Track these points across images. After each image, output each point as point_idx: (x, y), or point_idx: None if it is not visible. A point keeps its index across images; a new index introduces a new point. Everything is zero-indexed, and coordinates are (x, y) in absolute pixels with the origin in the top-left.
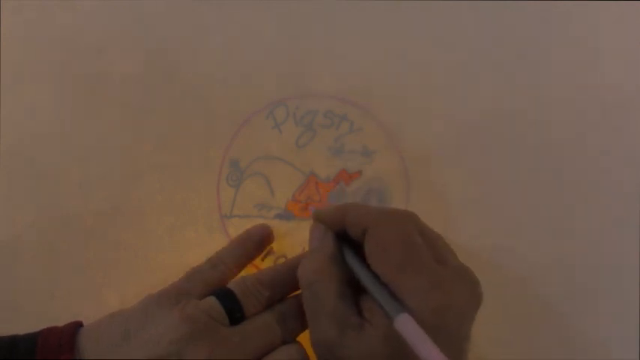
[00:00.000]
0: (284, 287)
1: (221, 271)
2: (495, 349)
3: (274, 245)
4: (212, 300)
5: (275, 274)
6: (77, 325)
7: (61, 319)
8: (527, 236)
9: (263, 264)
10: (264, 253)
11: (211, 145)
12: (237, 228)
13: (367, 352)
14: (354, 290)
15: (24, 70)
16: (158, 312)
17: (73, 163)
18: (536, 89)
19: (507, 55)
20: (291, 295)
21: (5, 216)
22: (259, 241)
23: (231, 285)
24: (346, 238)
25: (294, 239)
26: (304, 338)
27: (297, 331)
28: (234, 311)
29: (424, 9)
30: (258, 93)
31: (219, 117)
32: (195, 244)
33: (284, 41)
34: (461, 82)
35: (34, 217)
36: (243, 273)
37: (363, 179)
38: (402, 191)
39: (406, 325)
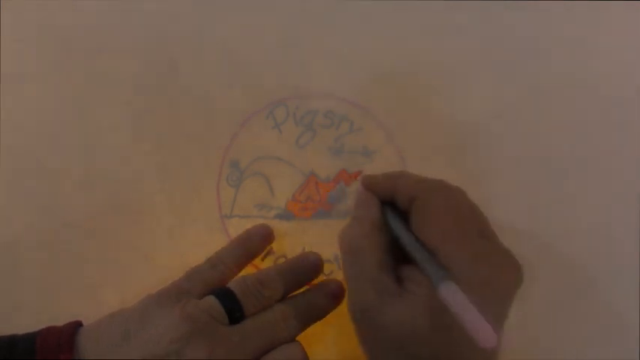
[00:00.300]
0: (284, 287)
1: (221, 271)
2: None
3: (274, 245)
4: (212, 299)
5: (275, 273)
6: (77, 325)
7: (60, 319)
8: (527, 236)
9: (263, 264)
10: (264, 253)
11: (211, 145)
12: (238, 228)
13: (406, 319)
14: (395, 259)
15: (24, 70)
16: (158, 311)
17: (73, 163)
18: (536, 89)
19: (507, 55)
20: (292, 294)
21: (5, 216)
22: (259, 241)
23: (231, 284)
24: (393, 207)
25: (294, 239)
26: (303, 338)
27: (298, 330)
28: (234, 311)
29: (424, 9)
30: (258, 93)
31: (219, 117)
32: (195, 244)
33: (284, 41)
34: (461, 82)
35: (34, 217)
36: (243, 272)
37: None
38: None
39: (452, 293)
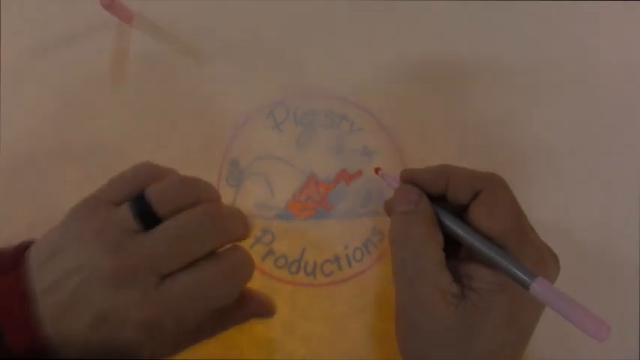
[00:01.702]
0: (206, 187)
1: (142, 182)
2: None
3: (274, 245)
4: (124, 208)
5: (192, 177)
6: (28, 244)
7: None
8: None
9: (263, 264)
10: (264, 253)
11: (211, 145)
12: None
13: (468, 322)
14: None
15: (24, 70)
16: (74, 227)
17: (73, 163)
18: (536, 89)
19: (507, 55)
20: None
21: (5, 216)
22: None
23: (148, 189)
24: (437, 202)
25: (294, 239)
26: (303, 338)
27: (231, 231)
28: (147, 215)
29: (424, 9)
30: (258, 93)
31: (219, 117)
32: None
33: (284, 41)
34: (461, 82)
35: (34, 217)
36: None
37: (363, 179)
38: None
39: (547, 289)
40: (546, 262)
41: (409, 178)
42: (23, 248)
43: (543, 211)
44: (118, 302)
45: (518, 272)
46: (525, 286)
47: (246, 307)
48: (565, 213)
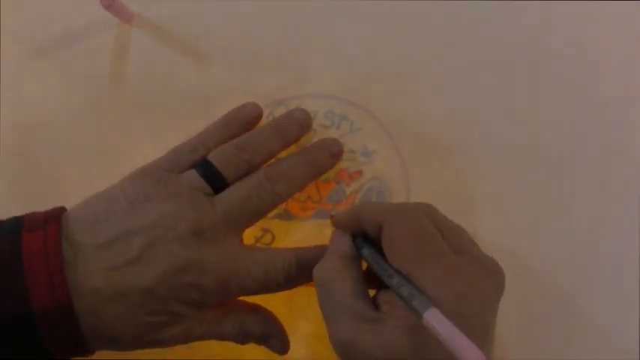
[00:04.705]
0: (267, 147)
1: (201, 156)
2: (494, 349)
3: (274, 245)
4: (192, 173)
5: (254, 134)
6: (63, 209)
7: None
8: (527, 236)
9: None
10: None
11: None
12: None
13: (387, 345)
14: (371, 288)
15: (24, 69)
16: (141, 190)
17: (73, 163)
18: (536, 89)
19: (507, 55)
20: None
21: (5, 216)
22: (247, 122)
23: (210, 155)
24: (367, 239)
25: (294, 239)
26: (303, 338)
27: (287, 191)
28: (215, 180)
29: (424, 9)
30: (258, 93)
31: (219, 117)
32: None
33: (284, 41)
34: (461, 82)
35: None
36: None
37: (363, 179)
38: (402, 191)
39: (436, 320)
40: (469, 281)
41: (335, 223)
42: (58, 209)
43: (543, 211)
44: (199, 256)
45: (411, 303)
46: (419, 317)
47: (261, 319)
48: (565, 213)
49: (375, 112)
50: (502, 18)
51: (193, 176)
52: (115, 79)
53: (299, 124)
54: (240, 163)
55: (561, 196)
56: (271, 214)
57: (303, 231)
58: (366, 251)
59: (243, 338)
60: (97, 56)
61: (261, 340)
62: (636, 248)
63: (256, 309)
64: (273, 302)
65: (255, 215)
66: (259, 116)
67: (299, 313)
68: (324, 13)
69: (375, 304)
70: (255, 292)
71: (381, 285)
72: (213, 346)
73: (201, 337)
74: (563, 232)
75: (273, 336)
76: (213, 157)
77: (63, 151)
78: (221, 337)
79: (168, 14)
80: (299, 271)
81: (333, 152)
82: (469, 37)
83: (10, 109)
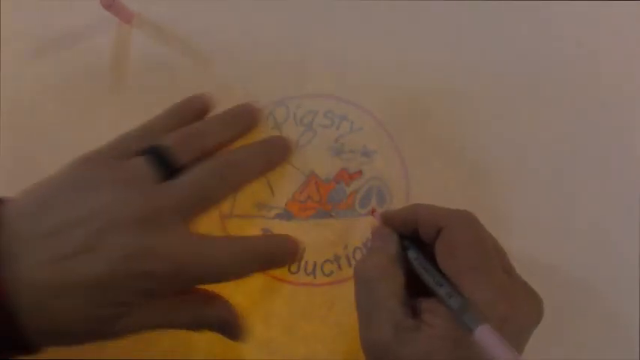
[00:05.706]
0: (214, 135)
1: (148, 143)
2: None
3: None
4: (139, 159)
5: (202, 123)
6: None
7: None
8: (527, 236)
9: None
10: None
11: None
12: (238, 228)
13: (423, 354)
14: (411, 293)
15: (24, 69)
16: (86, 177)
17: None
18: (536, 89)
19: (507, 56)
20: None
21: None
22: (196, 112)
23: (158, 141)
24: (411, 241)
25: None
26: (303, 338)
27: (238, 179)
28: (164, 165)
29: (424, 9)
30: (258, 93)
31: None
32: None
33: (284, 41)
34: (461, 82)
35: None
36: None
37: (363, 179)
38: (402, 191)
39: (488, 337)
40: (514, 304)
41: (385, 220)
42: None
43: (543, 211)
44: (150, 243)
45: (461, 317)
46: (469, 331)
47: (216, 308)
48: (565, 213)
49: (375, 112)
50: (502, 18)
51: (140, 162)
52: (115, 79)
53: (248, 112)
54: (189, 149)
55: (561, 196)
56: (271, 214)
57: (303, 231)
58: (413, 254)
59: (197, 327)
60: (97, 56)
61: (217, 328)
62: (636, 248)
63: (212, 297)
64: (277, 303)
65: (206, 202)
66: (208, 108)
67: (299, 313)
68: (324, 13)
69: (413, 309)
70: (210, 281)
71: (420, 289)
72: (213, 346)
73: (156, 328)
74: (563, 232)
75: (229, 324)
76: (161, 144)
77: (63, 151)
78: (175, 327)
79: (168, 14)
80: (251, 259)
81: (286, 146)
82: (469, 37)
83: (10, 109)
